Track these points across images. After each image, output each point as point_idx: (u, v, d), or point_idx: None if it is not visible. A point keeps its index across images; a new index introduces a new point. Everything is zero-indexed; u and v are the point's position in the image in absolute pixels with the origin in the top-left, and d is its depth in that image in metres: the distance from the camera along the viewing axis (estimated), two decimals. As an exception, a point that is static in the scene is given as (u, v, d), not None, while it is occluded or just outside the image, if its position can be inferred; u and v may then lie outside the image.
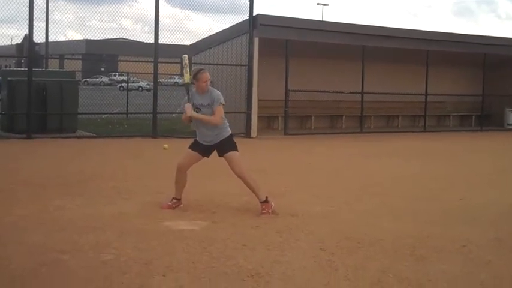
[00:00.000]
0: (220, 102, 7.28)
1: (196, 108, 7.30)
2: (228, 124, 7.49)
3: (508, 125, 25.05)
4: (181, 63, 7.92)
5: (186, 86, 7.47)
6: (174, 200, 7.55)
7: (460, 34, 22.96)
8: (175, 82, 35.52)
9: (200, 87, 7.28)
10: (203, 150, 7.44)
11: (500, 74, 24.74)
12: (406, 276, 5.08)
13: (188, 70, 7.50)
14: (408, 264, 5.40)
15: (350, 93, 21.07)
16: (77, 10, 27.90)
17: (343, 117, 22.93)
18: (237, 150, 7.40)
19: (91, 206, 7.62)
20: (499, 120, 25.30)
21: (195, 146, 7.48)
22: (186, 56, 7.68)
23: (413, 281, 4.98)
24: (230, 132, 7.50)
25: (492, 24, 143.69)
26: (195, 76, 7.27)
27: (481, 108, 24.45)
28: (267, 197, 7.39)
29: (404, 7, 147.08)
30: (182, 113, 7.45)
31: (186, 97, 7.39)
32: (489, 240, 6.37)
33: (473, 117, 25.58)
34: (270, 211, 7.28)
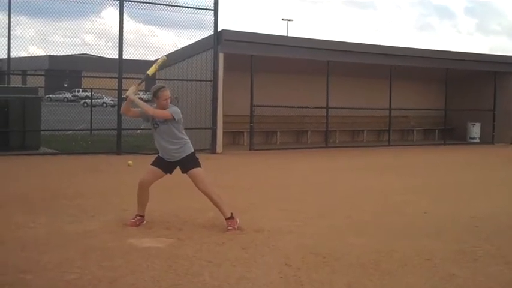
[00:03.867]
0: (171, 112, 7.22)
1: (156, 124, 7.26)
2: (189, 141, 7.45)
3: (471, 138, 25.41)
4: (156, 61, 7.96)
5: (146, 75, 7.64)
6: (138, 217, 7.49)
7: (422, 49, 23.26)
8: (140, 98, 35.35)
9: (161, 105, 7.22)
10: (166, 166, 7.40)
11: (462, 88, 25.13)
12: (372, 290, 5.10)
13: (157, 67, 7.61)
14: (373, 279, 5.42)
15: (315, 108, 21.18)
16: (39, 25, 27.62)
17: (309, 132, 23.03)
18: (200, 166, 7.37)
19: (54, 224, 7.52)
20: (461, 134, 25.67)
21: (158, 162, 7.43)
22: (165, 57, 7.90)
23: (379, 295, 5.00)
24: (192, 149, 7.46)
25: (453, 39, 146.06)
26: (156, 94, 7.21)
27: (444, 123, 24.78)
28: (232, 213, 7.37)
29: (367, 22, 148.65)
30: (147, 129, 7.42)
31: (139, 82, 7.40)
32: (453, 253, 6.43)
33: (437, 131, 25.92)
34: (235, 227, 7.26)
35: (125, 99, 7.41)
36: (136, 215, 7.50)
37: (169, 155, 7.33)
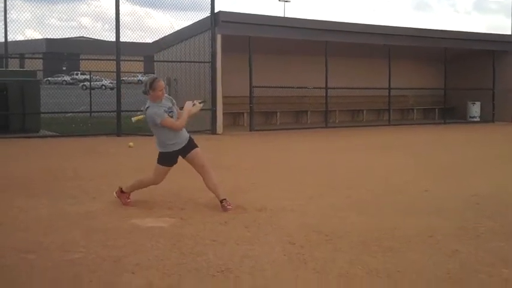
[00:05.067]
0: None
1: (170, 113, 7.20)
2: None
3: (471, 117, 25.42)
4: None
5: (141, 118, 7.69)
6: (124, 193, 7.60)
7: (418, 29, 23.20)
8: (139, 80, 35.27)
9: (157, 96, 7.13)
10: (175, 158, 7.36)
11: (462, 67, 25.13)
12: (375, 267, 5.11)
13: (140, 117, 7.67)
14: (376, 256, 5.44)
15: (314, 88, 21.17)
16: (35, 9, 27.48)
17: (308, 112, 23.03)
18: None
19: (56, 205, 7.54)
20: (461, 113, 25.68)
21: (167, 161, 7.33)
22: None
23: (382, 271, 5.02)
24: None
25: (450, 18, 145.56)
26: (151, 85, 7.09)
27: (444, 102, 24.77)
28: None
29: (364, 2, 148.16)
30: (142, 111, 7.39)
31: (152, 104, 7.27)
32: (455, 230, 6.45)
33: (437, 110, 25.92)
34: (231, 206, 7.26)
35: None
36: (122, 190, 7.59)
37: (184, 138, 7.31)
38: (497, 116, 24.73)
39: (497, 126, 23.54)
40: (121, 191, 7.58)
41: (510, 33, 34.18)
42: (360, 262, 5.25)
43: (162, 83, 7.21)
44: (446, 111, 24.90)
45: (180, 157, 7.37)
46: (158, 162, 7.34)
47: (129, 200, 7.57)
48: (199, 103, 7.52)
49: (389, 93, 22.95)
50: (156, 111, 7.11)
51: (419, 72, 25.56)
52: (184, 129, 7.32)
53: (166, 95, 7.36)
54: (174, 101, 7.36)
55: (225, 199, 7.34)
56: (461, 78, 25.00)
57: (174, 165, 7.37)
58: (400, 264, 5.21)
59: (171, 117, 7.19)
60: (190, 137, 7.38)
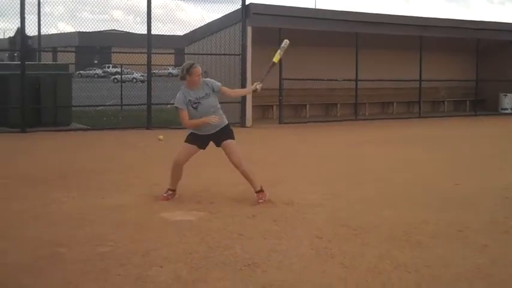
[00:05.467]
0: (220, 85, 7.38)
1: (194, 104, 7.23)
2: (223, 113, 7.49)
3: (502, 109, 25.08)
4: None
5: (272, 63, 8.06)
6: (170, 192, 7.55)
7: (452, 19, 22.93)
8: (169, 73, 35.45)
9: (193, 81, 7.22)
10: (201, 142, 7.42)
11: (494, 58, 24.75)
12: (403, 262, 5.10)
13: (281, 52, 8.02)
14: (405, 250, 5.42)
15: (344, 80, 21.05)
16: (68, 2, 27.72)
17: (338, 105, 22.89)
18: (234, 138, 7.41)
19: (87, 198, 7.63)
20: (493, 105, 25.33)
21: (192, 139, 7.44)
22: (287, 41, 8.21)
23: (410, 266, 5.00)
24: (227, 121, 7.52)
25: (484, 9, 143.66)
26: (188, 70, 7.19)
27: (475, 94, 24.49)
28: (261, 187, 7.41)
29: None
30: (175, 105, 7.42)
31: (182, 88, 7.38)
32: (485, 225, 6.40)
33: (468, 102, 25.59)
34: (265, 199, 7.31)
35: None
36: (168, 189, 7.56)
37: (208, 127, 7.33)
38: (530, 108, 24.37)
39: (530, 119, 23.21)
40: (260, 191, 7.44)
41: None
42: (389, 257, 5.24)
43: (198, 69, 7.28)
44: (478, 103, 24.60)
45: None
46: (233, 138, 7.46)
47: (169, 195, 7.57)
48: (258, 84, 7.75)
49: (420, 85, 22.73)
50: (179, 96, 7.30)
51: (451, 63, 25.24)
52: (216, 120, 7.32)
53: (208, 79, 7.43)
54: (216, 84, 7.37)
55: (259, 191, 7.40)
56: (493, 69, 24.63)
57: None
58: (428, 259, 5.19)
59: (195, 108, 7.24)
60: (224, 128, 7.41)
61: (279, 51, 7.83)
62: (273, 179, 8.60)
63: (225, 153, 7.40)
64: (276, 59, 7.76)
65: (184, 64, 7.45)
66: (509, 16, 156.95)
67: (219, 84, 7.40)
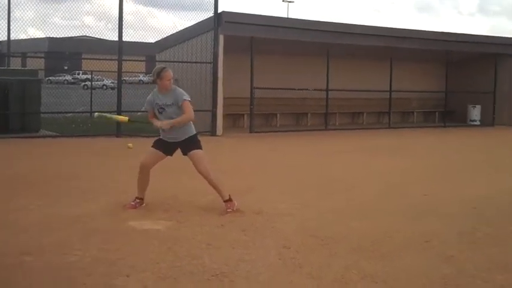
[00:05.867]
0: (185, 99, 7.25)
1: (160, 109, 7.24)
2: (191, 122, 7.46)
3: (471, 121, 25.36)
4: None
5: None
6: (137, 200, 7.50)
7: (423, 31, 23.12)
8: (140, 80, 35.29)
9: (164, 85, 7.23)
10: (167, 148, 7.41)
11: (463, 70, 25.07)
12: (370, 272, 5.12)
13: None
14: (372, 261, 5.44)
15: (315, 90, 21.13)
16: (38, 7, 27.53)
17: (309, 114, 22.97)
18: (201, 148, 7.38)
19: (54, 206, 7.54)
20: (461, 117, 25.61)
21: (159, 145, 7.43)
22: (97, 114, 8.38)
23: (377, 277, 5.02)
24: (195, 131, 7.48)
25: (454, 20, 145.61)
26: (159, 74, 7.22)
27: (445, 105, 24.74)
28: (230, 196, 7.39)
29: (368, 3, 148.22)
30: (145, 111, 7.42)
31: (153, 91, 7.37)
32: (452, 235, 6.46)
33: (437, 113, 25.86)
34: (234, 209, 7.29)
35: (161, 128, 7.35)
36: (136, 197, 7.51)
37: (173, 135, 7.32)
38: (497, 120, 24.65)
39: (497, 130, 23.50)
40: (228, 200, 7.40)
41: (512, 36, 34.07)
42: (356, 267, 5.25)
43: (170, 73, 7.27)
44: (447, 114, 24.86)
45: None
46: (200, 147, 7.42)
47: (137, 204, 7.52)
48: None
49: (390, 95, 22.92)
50: (149, 98, 7.43)
51: (420, 74, 25.47)
52: (177, 128, 7.29)
53: (181, 90, 7.38)
54: (181, 96, 7.25)
55: (228, 200, 7.39)
56: (462, 81, 24.94)
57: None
58: (396, 270, 5.22)
59: (160, 113, 7.27)
60: (191, 137, 7.38)
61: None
62: (243, 188, 8.59)
63: (192, 163, 7.38)
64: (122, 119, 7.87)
65: (155, 68, 7.44)
66: (478, 27, 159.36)
67: (183, 99, 7.22)
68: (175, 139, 7.34)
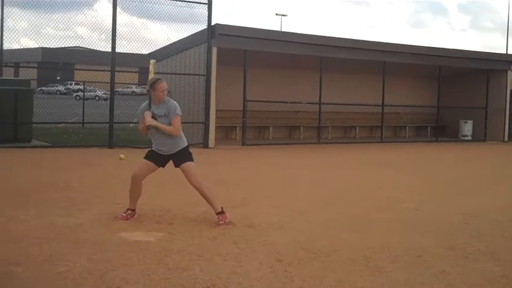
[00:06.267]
0: (177, 113, 7.25)
1: (153, 119, 7.25)
2: (183, 135, 7.46)
3: (463, 136, 25.47)
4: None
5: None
6: (129, 211, 7.47)
7: (415, 46, 23.27)
8: (133, 91, 35.26)
9: (157, 96, 7.24)
10: (159, 160, 7.40)
11: (455, 85, 25.19)
12: (362, 286, 5.10)
13: (152, 73, 7.58)
14: (364, 275, 5.42)
15: (308, 103, 21.18)
16: (31, 17, 27.42)
17: (301, 127, 23.03)
18: (192, 160, 7.37)
19: (45, 216, 7.50)
20: (453, 132, 25.74)
21: (151, 156, 7.42)
22: (152, 61, 7.76)
23: (369, 291, 5.01)
24: (186, 143, 7.47)
25: (446, 36, 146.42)
26: (152, 85, 7.23)
27: (437, 120, 24.83)
28: (222, 208, 7.38)
29: (361, 18, 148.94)
30: (137, 123, 7.40)
31: (146, 102, 7.36)
32: (444, 250, 6.44)
33: (429, 128, 25.97)
34: (226, 221, 7.27)
35: (147, 127, 7.31)
36: (128, 209, 7.49)
37: (165, 148, 7.32)
38: (489, 135, 24.78)
39: (489, 146, 23.60)
40: (220, 212, 7.37)
41: (505, 52, 34.29)
42: (348, 281, 5.23)
43: (164, 85, 7.27)
44: (439, 129, 24.96)
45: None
46: (191, 160, 7.40)
47: (128, 215, 7.48)
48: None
49: (382, 110, 22.99)
50: (141, 108, 7.39)
51: (413, 89, 25.65)
52: (168, 139, 7.29)
53: (175, 103, 7.36)
54: (174, 109, 7.25)
55: (220, 212, 7.35)
56: (454, 96, 25.08)
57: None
58: (387, 284, 5.20)
59: None
60: (183, 150, 7.38)
61: (150, 74, 7.72)
62: (235, 201, 8.58)
63: (184, 175, 7.36)
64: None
65: (150, 78, 7.43)
66: (470, 42, 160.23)
67: (176, 113, 7.25)
68: (166, 151, 7.35)
